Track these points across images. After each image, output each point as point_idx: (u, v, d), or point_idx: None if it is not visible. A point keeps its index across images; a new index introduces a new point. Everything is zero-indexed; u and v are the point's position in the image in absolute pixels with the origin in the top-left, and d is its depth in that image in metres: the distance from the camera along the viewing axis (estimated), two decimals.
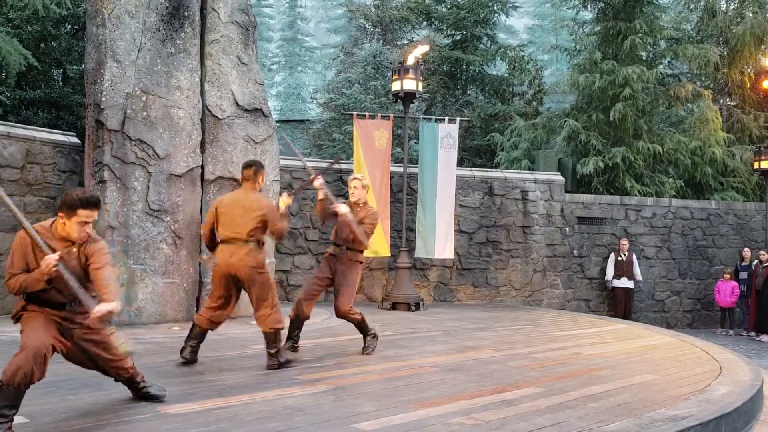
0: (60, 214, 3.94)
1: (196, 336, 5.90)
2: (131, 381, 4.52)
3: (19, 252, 3.94)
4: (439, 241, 11.26)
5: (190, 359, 5.84)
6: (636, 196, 14.31)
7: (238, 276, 5.69)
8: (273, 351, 5.77)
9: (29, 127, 9.31)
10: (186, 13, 8.70)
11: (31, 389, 4.74)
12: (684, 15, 17.96)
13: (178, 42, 8.63)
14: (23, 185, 8.83)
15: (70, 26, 12.20)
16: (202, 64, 8.92)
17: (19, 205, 8.77)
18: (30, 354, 3.80)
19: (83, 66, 9.62)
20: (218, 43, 9.04)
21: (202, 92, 8.86)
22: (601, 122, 15.05)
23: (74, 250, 3.99)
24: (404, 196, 11.20)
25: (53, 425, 3.96)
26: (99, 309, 3.84)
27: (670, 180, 15.48)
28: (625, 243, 13.15)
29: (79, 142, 9.55)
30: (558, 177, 13.44)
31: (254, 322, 8.62)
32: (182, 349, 5.88)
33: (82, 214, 3.90)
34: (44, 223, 4.06)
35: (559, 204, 13.13)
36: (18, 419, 4.03)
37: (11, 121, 10.04)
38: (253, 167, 5.88)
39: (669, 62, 17.31)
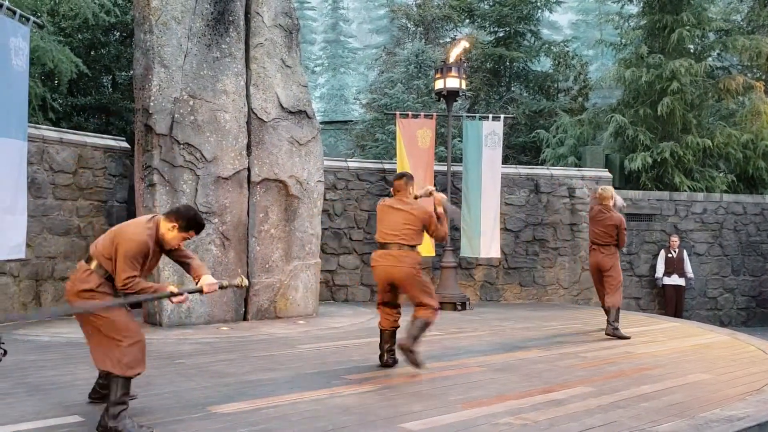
0: (173, 223, 4.18)
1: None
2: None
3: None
4: (485, 239, 11.16)
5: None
6: (686, 191, 13.96)
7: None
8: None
9: (81, 132, 9.57)
10: (231, 18, 8.83)
11: (85, 390, 4.88)
12: (734, 6, 17.45)
13: (223, 46, 8.75)
14: (75, 189, 9.07)
15: (118, 33, 12.48)
16: (247, 67, 9.04)
17: (71, 210, 9.02)
18: (143, 346, 4.11)
19: (132, 72, 9.85)
20: (263, 47, 9.14)
21: (248, 95, 8.97)
22: (648, 117, 14.73)
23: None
24: (448, 195, 11.13)
25: None
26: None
27: (721, 175, 15.05)
28: (675, 239, 12.85)
29: (128, 146, 9.78)
30: (605, 173, 13.20)
31: (302, 322, 8.76)
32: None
33: (192, 234, 4.25)
34: (149, 223, 4.22)
35: None
36: (72, 419, 4.15)
37: (64, 127, 10.32)
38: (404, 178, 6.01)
39: (718, 54, 16.83)
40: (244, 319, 8.78)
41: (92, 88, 12.03)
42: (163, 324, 8.12)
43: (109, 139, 9.79)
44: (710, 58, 16.09)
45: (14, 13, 6.35)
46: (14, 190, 6.31)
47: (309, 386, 5.13)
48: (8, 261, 7.80)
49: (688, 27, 14.59)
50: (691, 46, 15.61)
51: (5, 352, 5.94)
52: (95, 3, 11.18)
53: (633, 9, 16.93)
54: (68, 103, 11.51)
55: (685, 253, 12.93)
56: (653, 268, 13.03)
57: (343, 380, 5.37)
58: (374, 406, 4.59)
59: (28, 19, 6.59)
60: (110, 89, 12.49)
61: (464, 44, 11.42)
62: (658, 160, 14.23)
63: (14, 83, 6.26)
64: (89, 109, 12.04)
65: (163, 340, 7.24)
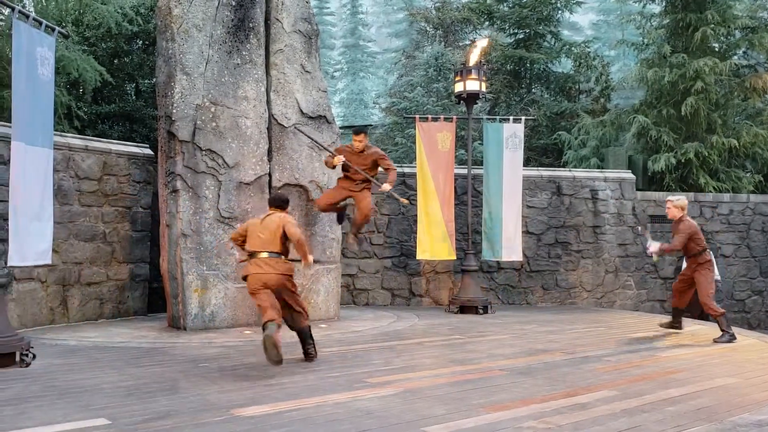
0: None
1: None
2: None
3: None
4: (507, 242, 11.10)
5: None
6: (711, 192, 13.78)
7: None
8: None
9: (105, 140, 9.70)
10: (251, 25, 8.90)
11: (112, 393, 4.94)
12: (760, 3, 17.21)
13: (244, 53, 8.82)
14: (101, 196, 9.19)
15: (141, 42, 12.63)
16: (268, 73, 9.10)
17: (97, 216, 9.14)
18: None
19: (154, 80, 9.96)
20: (282, 53, 9.20)
21: (268, 101, 9.04)
22: (672, 117, 14.57)
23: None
24: (469, 198, 11.11)
25: (133, 427, 4.10)
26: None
27: (747, 175, 14.83)
28: None
29: (152, 153, 9.89)
30: (628, 175, 13.08)
31: (324, 325, 8.79)
32: None
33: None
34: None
35: (630, 202, 12.78)
36: (99, 421, 4.20)
37: (88, 135, 10.47)
38: None
39: (744, 52, 16.60)
40: None
41: (116, 96, 12.18)
42: (188, 328, 8.19)
43: (132, 146, 9.91)
44: (736, 57, 15.88)
45: (40, 23, 6.46)
46: (41, 197, 6.41)
47: (331, 389, 5.15)
48: (36, 267, 7.93)
49: (712, 25, 14.41)
50: (716, 45, 15.41)
51: (34, 356, 6.05)
52: (118, 12, 11.34)
53: (655, 8, 16.76)
54: (93, 111, 11.67)
55: (711, 254, 12.73)
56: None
57: (365, 384, 5.37)
58: (396, 409, 4.58)
59: (53, 30, 6.69)
60: (134, 97, 12.64)
61: (482, 44, 11.39)
62: (683, 160, 14.07)
63: (40, 92, 6.36)
64: (113, 117, 12.19)
65: (187, 343, 7.30)
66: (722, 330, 8.03)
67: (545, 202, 12.31)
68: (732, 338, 7.94)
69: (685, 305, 8.79)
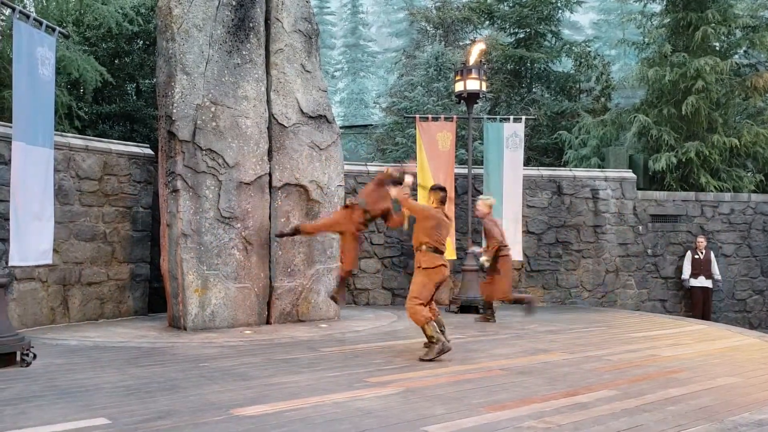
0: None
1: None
2: None
3: None
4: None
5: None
6: (712, 191, 13.77)
7: None
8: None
9: (106, 140, 9.70)
10: (251, 24, 8.89)
11: (112, 392, 4.95)
12: (761, 2, 17.18)
13: (244, 53, 8.82)
14: (101, 196, 9.19)
15: (141, 42, 12.63)
16: (268, 73, 9.10)
17: (97, 216, 9.14)
18: None
19: (155, 80, 9.96)
20: (282, 53, 9.19)
21: (268, 101, 9.03)
22: (672, 116, 14.56)
23: None
24: (469, 197, 11.11)
25: (133, 427, 4.10)
26: None
27: (748, 174, 14.81)
28: (702, 241, 12.67)
29: (152, 153, 9.89)
30: (629, 174, 13.07)
31: (324, 325, 8.79)
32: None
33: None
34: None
35: (631, 202, 12.77)
36: (99, 421, 4.20)
37: (89, 135, 10.47)
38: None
39: (745, 52, 16.58)
40: (267, 322, 8.83)
41: (116, 96, 12.18)
42: (188, 328, 8.19)
43: (133, 146, 9.91)
44: (736, 56, 15.86)
45: (41, 24, 6.46)
46: (42, 197, 6.42)
47: (331, 389, 5.15)
48: (36, 266, 7.94)
49: (713, 24, 14.40)
50: (717, 44, 15.39)
51: (34, 356, 6.06)
52: (119, 12, 11.34)
53: (656, 7, 16.74)
54: (93, 111, 11.67)
55: (712, 254, 12.74)
56: (679, 269, 12.86)
57: (365, 383, 5.37)
58: (396, 409, 4.58)
59: (54, 30, 6.69)
60: (134, 97, 12.64)
61: (481, 46, 11.40)
62: (683, 160, 14.06)
63: (41, 92, 6.36)
64: (114, 117, 12.19)
65: (188, 343, 7.30)
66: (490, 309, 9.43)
67: (545, 201, 12.30)
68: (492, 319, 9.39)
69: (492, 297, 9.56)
